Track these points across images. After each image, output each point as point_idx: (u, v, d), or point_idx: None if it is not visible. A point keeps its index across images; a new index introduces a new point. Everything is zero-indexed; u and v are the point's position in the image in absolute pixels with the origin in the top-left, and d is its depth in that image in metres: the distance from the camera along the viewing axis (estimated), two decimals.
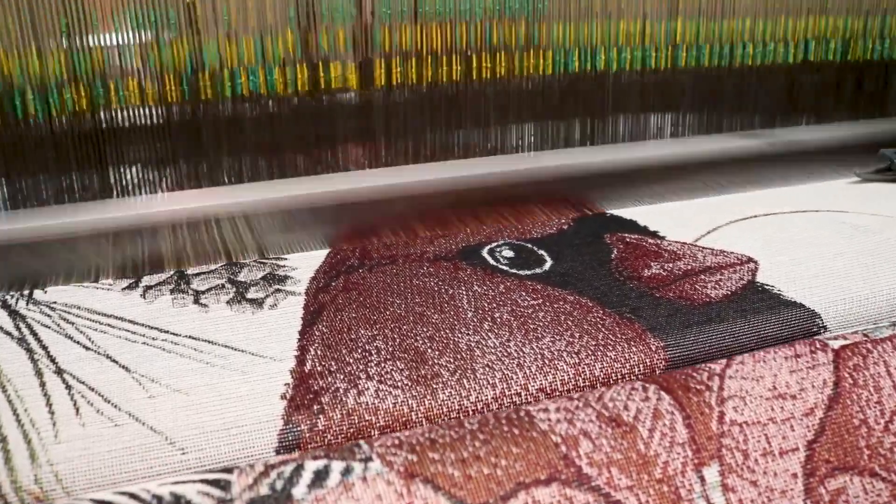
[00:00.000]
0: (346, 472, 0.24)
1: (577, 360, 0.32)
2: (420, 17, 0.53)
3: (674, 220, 0.46)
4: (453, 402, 0.30)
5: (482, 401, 0.30)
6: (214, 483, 0.25)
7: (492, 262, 0.41)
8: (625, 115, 0.61)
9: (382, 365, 0.32)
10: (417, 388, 0.30)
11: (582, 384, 0.31)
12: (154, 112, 0.45)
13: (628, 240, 0.43)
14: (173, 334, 0.34)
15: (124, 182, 0.46)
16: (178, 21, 0.45)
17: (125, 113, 0.44)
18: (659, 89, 0.61)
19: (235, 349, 0.33)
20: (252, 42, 0.49)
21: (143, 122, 0.45)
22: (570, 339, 0.33)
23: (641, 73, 0.60)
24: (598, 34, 0.58)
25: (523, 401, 0.29)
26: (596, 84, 0.59)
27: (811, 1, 0.62)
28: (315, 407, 0.29)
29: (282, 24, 0.50)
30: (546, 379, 0.32)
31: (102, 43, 0.43)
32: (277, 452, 0.28)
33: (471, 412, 0.27)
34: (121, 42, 0.44)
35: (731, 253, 0.41)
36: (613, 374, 0.32)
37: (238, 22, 0.48)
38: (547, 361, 0.32)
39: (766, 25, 0.61)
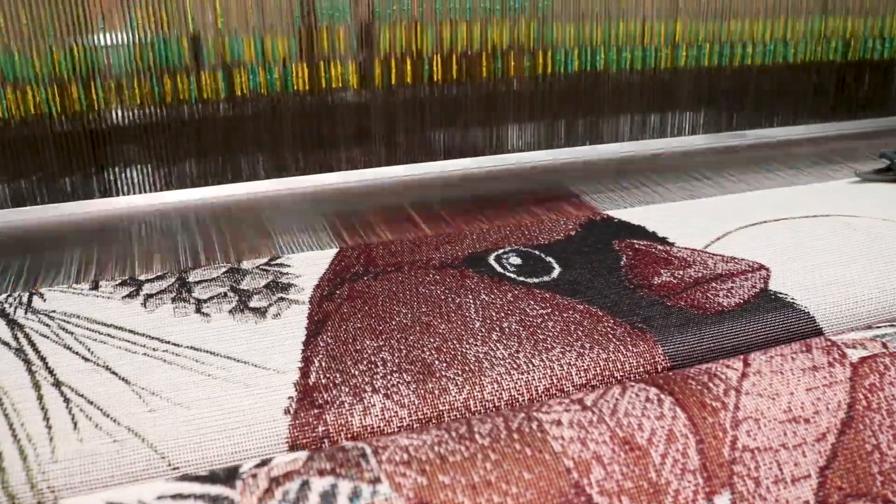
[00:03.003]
0: (354, 496, 0.23)
1: (586, 379, 0.32)
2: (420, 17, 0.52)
3: (682, 225, 0.45)
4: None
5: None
6: (216, 501, 0.24)
7: (499, 269, 0.40)
8: (625, 115, 0.61)
9: (389, 377, 0.31)
10: (424, 408, 0.30)
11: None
12: None
13: (637, 246, 0.43)
14: (174, 345, 0.33)
15: None
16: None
17: None
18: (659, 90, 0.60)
19: (238, 360, 0.32)
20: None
21: None
22: (581, 351, 0.33)
23: (641, 73, 0.59)
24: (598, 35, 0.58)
25: (532, 423, 0.28)
26: (596, 84, 0.59)
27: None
28: (321, 428, 0.28)
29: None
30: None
31: None
32: None
33: (480, 434, 0.26)
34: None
35: (743, 260, 0.41)
36: (623, 391, 0.31)
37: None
38: (556, 380, 0.31)
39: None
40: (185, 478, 0.25)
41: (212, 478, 0.25)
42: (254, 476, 0.25)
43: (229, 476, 0.25)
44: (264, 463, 0.25)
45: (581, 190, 0.55)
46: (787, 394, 0.28)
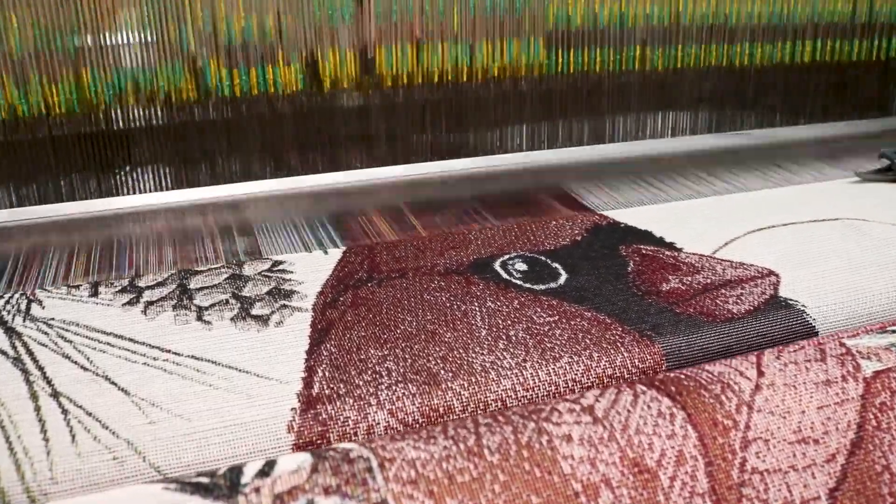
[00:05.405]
0: None
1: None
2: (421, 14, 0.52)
3: (689, 229, 0.45)
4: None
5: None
6: None
7: (505, 275, 0.39)
8: (624, 114, 0.60)
9: (394, 388, 0.30)
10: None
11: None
12: None
13: (644, 252, 0.42)
14: (175, 353, 0.33)
15: None
16: None
17: None
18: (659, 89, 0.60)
19: (240, 370, 0.32)
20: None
21: None
22: (588, 363, 0.32)
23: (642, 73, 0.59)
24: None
25: (542, 437, 0.28)
26: (598, 84, 0.58)
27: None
28: (323, 446, 0.28)
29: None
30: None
31: None
32: None
33: (489, 449, 0.25)
34: None
35: (752, 265, 0.40)
36: (635, 400, 0.31)
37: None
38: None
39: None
40: (185, 487, 0.24)
41: (213, 490, 0.24)
42: (256, 490, 0.24)
43: (231, 488, 0.24)
44: (266, 472, 0.24)
45: (583, 191, 0.54)
46: (799, 412, 0.28)
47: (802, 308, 0.36)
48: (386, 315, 0.36)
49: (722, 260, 0.41)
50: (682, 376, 0.29)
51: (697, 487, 0.25)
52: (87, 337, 0.34)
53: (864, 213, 0.46)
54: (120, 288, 0.38)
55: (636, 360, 0.32)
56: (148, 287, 0.38)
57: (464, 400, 0.30)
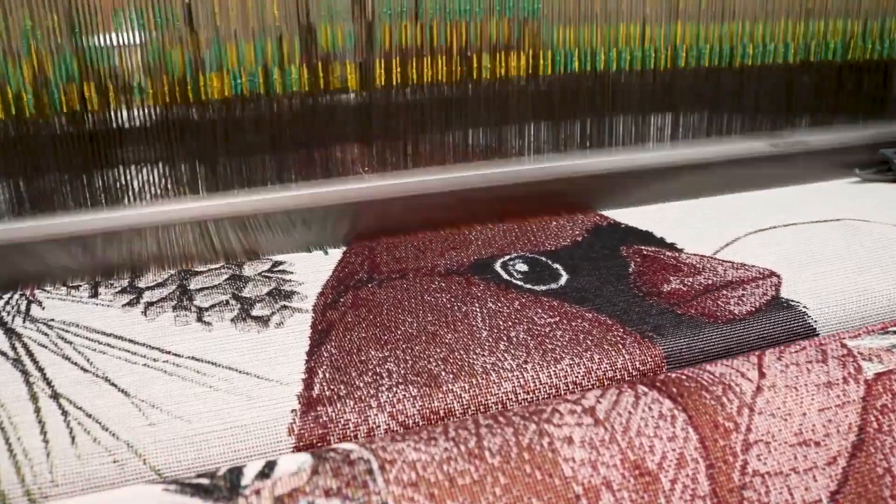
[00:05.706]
0: None
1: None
2: (420, 16, 0.52)
3: (690, 230, 0.45)
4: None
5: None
6: None
7: (505, 276, 0.39)
8: (625, 115, 0.60)
9: (394, 390, 0.30)
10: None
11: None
12: None
13: (645, 252, 0.42)
14: (175, 355, 0.33)
15: None
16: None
17: None
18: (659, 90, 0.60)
19: (240, 371, 0.32)
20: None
21: None
22: (589, 365, 0.32)
23: (641, 73, 0.59)
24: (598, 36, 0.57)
25: (543, 439, 0.28)
26: (596, 84, 0.58)
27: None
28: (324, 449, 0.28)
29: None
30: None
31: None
32: None
33: (490, 451, 0.25)
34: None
35: (753, 266, 0.40)
36: (636, 402, 0.31)
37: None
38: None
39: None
40: (185, 489, 0.24)
41: (213, 492, 0.24)
42: (257, 492, 0.24)
43: (231, 489, 0.24)
44: (267, 473, 0.24)
45: (583, 192, 0.54)
46: (800, 414, 0.28)
47: (804, 309, 0.36)
48: (386, 316, 0.35)
49: (723, 261, 0.41)
50: (684, 377, 0.29)
51: (698, 490, 0.25)
52: (87, 338, 0.34)
53: (864, 213, 0.46)
54: (120, 289, 0.38)
55: (637, 362, 0.32)
56: (148, 288, 0.38)
57: (464, 402, 0.30)
